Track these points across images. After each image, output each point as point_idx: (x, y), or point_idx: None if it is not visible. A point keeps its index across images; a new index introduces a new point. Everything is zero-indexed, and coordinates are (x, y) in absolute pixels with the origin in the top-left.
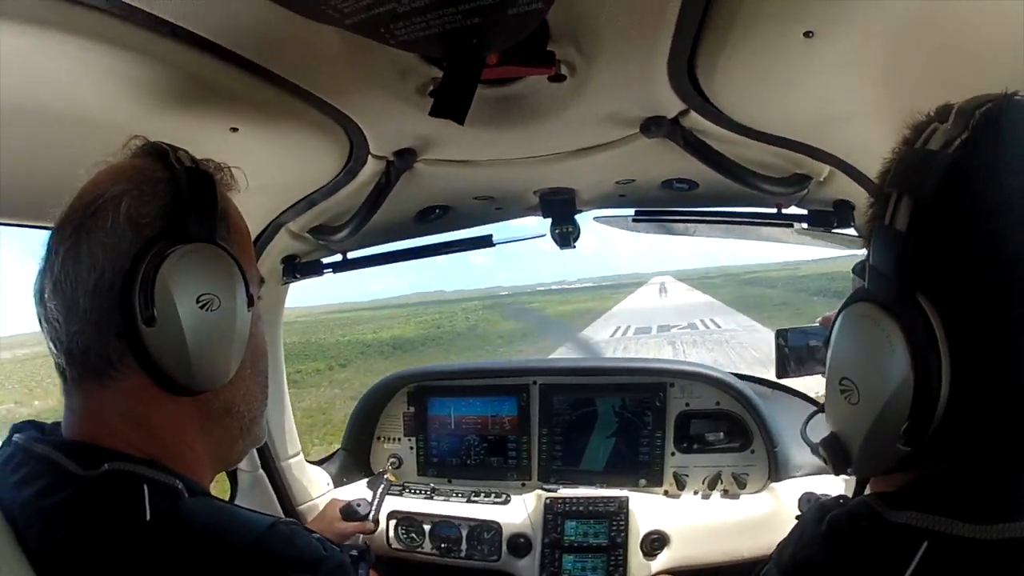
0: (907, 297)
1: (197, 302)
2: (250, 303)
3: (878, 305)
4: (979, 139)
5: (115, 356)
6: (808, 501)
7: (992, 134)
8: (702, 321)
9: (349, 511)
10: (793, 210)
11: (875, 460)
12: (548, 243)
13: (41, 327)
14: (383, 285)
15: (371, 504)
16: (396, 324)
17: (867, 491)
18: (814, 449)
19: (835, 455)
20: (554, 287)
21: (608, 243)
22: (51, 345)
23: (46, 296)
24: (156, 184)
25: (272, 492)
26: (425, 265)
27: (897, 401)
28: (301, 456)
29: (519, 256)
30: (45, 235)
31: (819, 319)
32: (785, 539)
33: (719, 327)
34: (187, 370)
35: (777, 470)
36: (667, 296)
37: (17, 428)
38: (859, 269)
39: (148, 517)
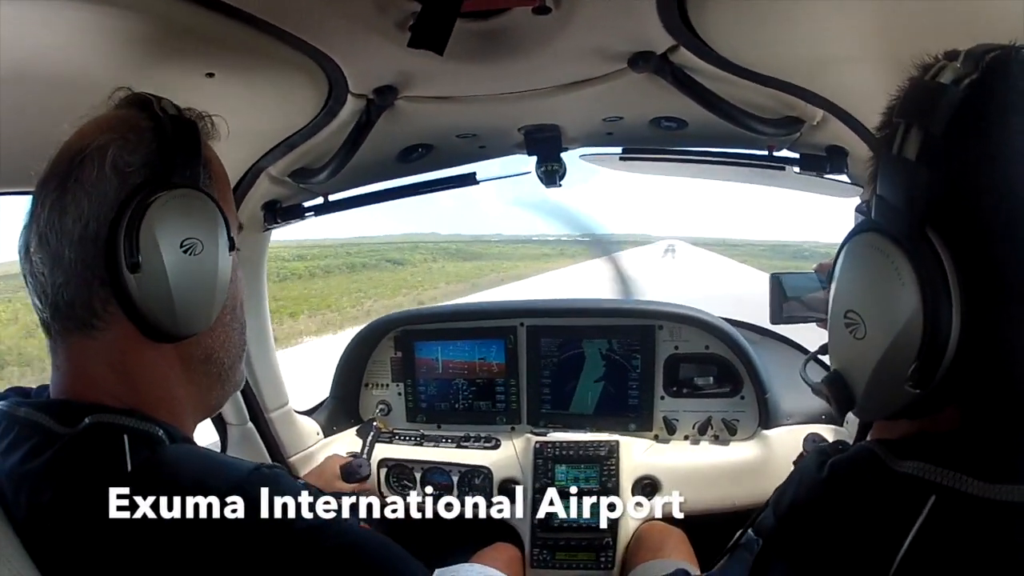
0: (917, 230)
1: (181, 247)
2: (231, 247)
3: (887, 236)
4: (989, 80)
5: (99, 305)
6: (814, 442)
7: (1001, 77)
8: None
9: (349, 471)
10: (785, 153)
11: (882, 402)
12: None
13: (27, 283)
14: (388, 223)
15: (365, 459)
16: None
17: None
18: (815, 389)
19: (838, 394)
20: (550, 238)
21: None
22: (36, 300)
23: (31, 250)
24: (141, 132)
25: (262, 444)
26: (436, 208)
27: (906, 339)
28: (290, 406)
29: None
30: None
31: (815, 266)
32: (783, 484)
33: None
34: (171, 315)
35: (767, 417)
36: (674, 260)
37: (0, 396)
38: (863, 208)
39: (129, 468)
